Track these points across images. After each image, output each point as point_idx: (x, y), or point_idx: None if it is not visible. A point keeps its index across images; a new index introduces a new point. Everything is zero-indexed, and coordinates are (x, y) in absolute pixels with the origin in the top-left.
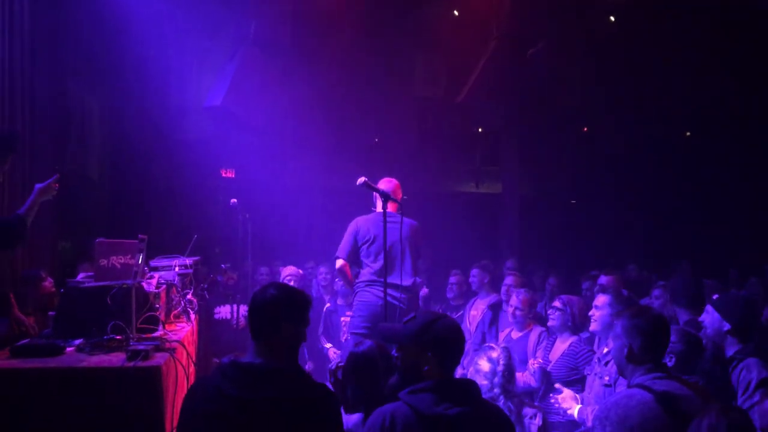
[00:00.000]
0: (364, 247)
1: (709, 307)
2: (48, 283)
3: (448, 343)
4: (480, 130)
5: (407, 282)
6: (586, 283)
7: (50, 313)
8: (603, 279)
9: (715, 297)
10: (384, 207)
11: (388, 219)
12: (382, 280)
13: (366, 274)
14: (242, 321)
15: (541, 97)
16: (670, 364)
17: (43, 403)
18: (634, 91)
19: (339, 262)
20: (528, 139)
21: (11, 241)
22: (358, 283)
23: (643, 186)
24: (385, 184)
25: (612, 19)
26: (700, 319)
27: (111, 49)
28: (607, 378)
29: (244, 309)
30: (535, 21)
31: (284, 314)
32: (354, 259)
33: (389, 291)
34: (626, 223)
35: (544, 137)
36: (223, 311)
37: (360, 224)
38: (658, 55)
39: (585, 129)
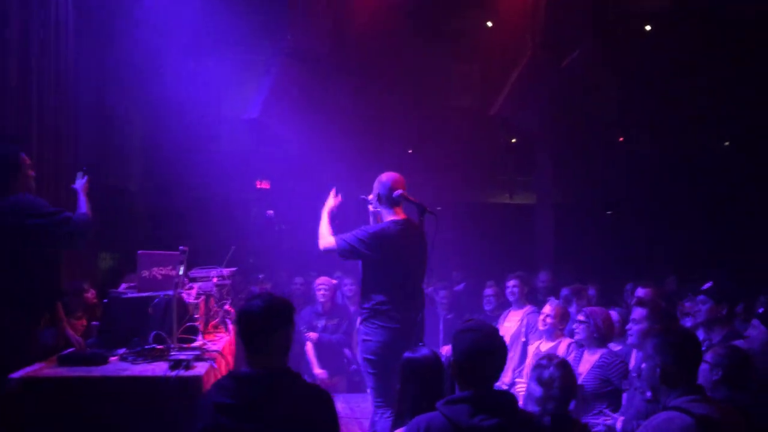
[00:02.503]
0: None
1: (755, 321)
2: (90, 294)
3: (475, 354)
4: (514, 140)
5: None
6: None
7: (93, 323)
8: (640, 291)
9: (760, 310)
10: (421, 219)
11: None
12: None
13: None
14: None
15: (576, 107)
16: (715, 378)
17: (88, 410)
18: (671, 100)
19: None
20: (562, 149)
21: (84, 240)
22: None
23: (680, 196)
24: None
25: (648, 28)
26: (747, 333)
27: (151, 63)
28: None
29: None
30: (570, 31)
31: (274, 322)
32: None
33: None
34: (663, 234)
35: (578, 147)
36: None
37: None
38: (695, 64)
39: (621, 139)
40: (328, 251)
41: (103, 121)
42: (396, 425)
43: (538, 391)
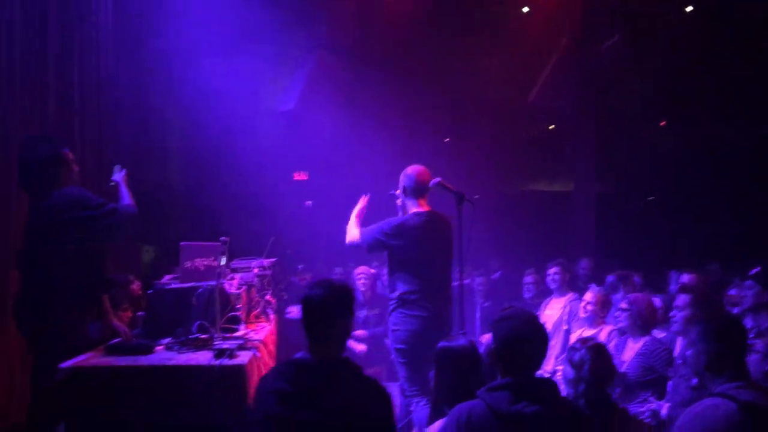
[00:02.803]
0: None
1: None
2: (136, 286)
3: (515, 341)
4: (552, 127)
5: None
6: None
7: (139, 313)
8: (685, 278)
9: None
10: (459, 208)
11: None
12: None
13: None
14: None
15: (616, 92)
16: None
17: (135, 399)
18: (714, 84)
19: None
20: (602, 134)
21: (131, 230)
22: None
23: (725, 181)
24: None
25: (689, 9)
26: None
27: (187, 59)
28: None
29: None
30: (609, 15)
31: (337, 310)
32: None
33: None
34: (707, 220)
35: (619, 132)
36: (295, 311)
37: None
38: (740, 46)
39: (662, 123)
40: (353, 246)
41: (143, 117)
42: (434, 414)
43: (570, 373)
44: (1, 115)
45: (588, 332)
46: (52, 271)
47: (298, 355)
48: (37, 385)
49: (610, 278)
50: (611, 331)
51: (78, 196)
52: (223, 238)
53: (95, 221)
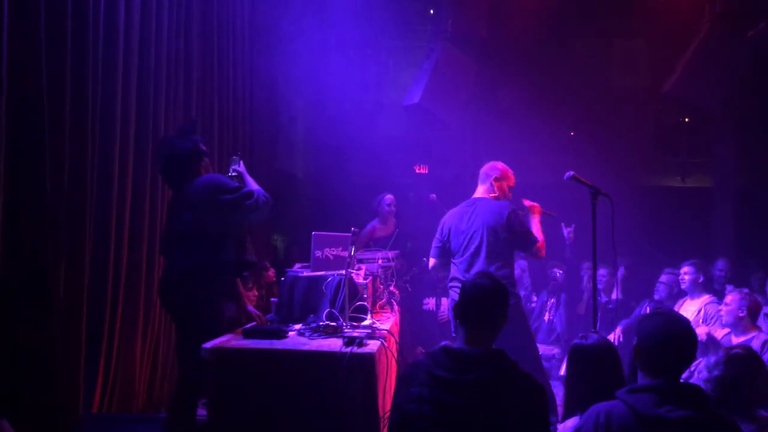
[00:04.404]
0: None
1: None
2: (271, 272)
3: (663, 341)
4: (686, 120)
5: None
6: None
7: (272, 299)
8: None
9: None
10: (593, 202)
11: (469, 206)
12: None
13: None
14: (444, 313)
15: (760, 81)
16: None
17: (271, 381)
18: None
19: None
20: (745, 127)
21: (267, 212)
22: None
23: None
24: (486, 166)
25: None
26: None
27: (314, 53)
28: None
29: (444, 302)
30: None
31: (497, 304)
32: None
33: None
34: None
35: (763, 126)
36: (430, 303)
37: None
38: None
39: None
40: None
41: (273, 114)
42: (567, 413)
43: (704, 374)
44: (153, 111)
45: (737, 339)
46: (192, 254)
47: (447, 344)
48: (182, 362)
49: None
50: (765, 341)
51: (216, 181)
52: (353, 228)
53: (234, 204)
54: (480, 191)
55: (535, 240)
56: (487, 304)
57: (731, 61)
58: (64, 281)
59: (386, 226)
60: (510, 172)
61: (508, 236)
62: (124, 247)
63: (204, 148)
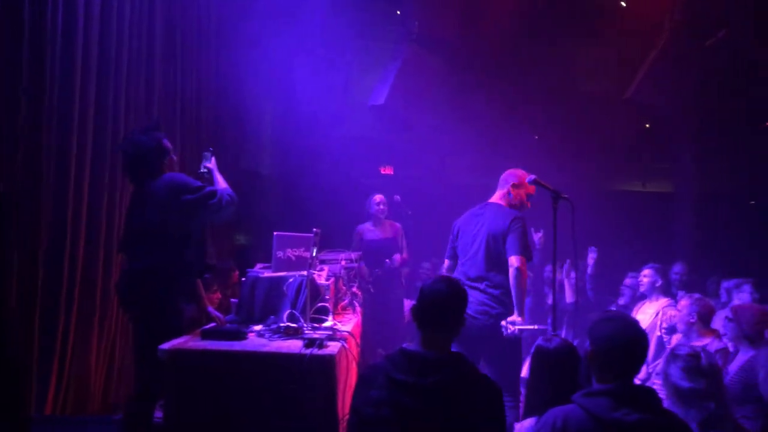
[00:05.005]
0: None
1: None
2: (236, 274)
3: (613, 345)
4: (648, 126)
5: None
6: None
7: (232, 300)
8: None
9: None
10: (555, 206)
11: (481, 209)
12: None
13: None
14: (406, 315)
15: (719, 90)
16: None
17: (229, 383)
18: None
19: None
20: (704, 135)
21: (230, 212)
22: None
23: None
24: (507, 172)
25: None
26: None
27: (281, 54)
28: None
29: (408, 303)
30: (715, 6)
31: (453, 308)
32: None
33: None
34: None
35: (721, 133)
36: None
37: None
38: None
39: (766, 124)
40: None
41: (239, 108)
42: (527, 414)
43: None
44: (112, 108)
45: (698, 342)
46: (152, 253)
47: (406, 346)
48: (140, 363)
49: (726, 284)
50: (719, 343)
51: (178, 180)
52: (315, 229)
53: (196, 204)
54: (496, 196)
55: (529, 251)
56: (443, 307)
57: (691, 69)
58: (17, 278)
59: (382, 228)
60: (520, 174)
61: (506, 243)
62: (80, 244)
63: (168, 145)
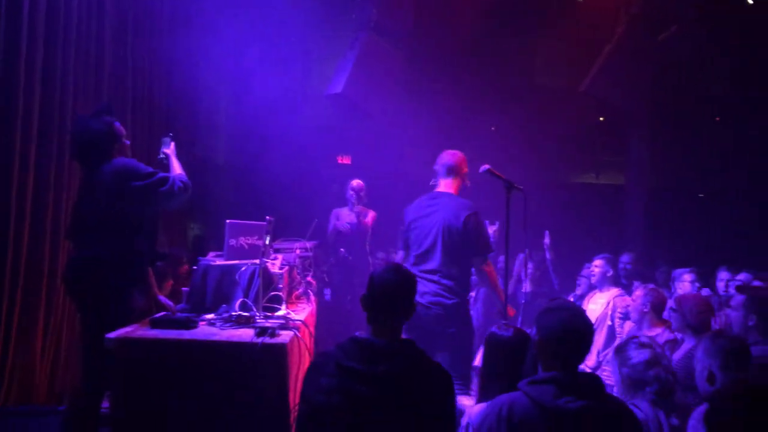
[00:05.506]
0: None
1: None
2: (185, 268)
3: (558, 334)
4: (602, 119)
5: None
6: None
7: (183, 289)
8: (746, 280)
9: None
10: (508, 196)
11: (434, 200)
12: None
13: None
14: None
15: (671, 85)
16: None
17: (178, 372)
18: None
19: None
20: (655, 128)
21: (181, 199)
22: None
23: None
24: (447, 157)
25: (750, 1)
26: None
27: (238, 41)
28: None
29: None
30: (667, 3)
31: (402, 296)
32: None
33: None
34: (761, 219)
35: (672, 127)
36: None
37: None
38: None
39: (717, 118)
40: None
41: (192, 94)
42: (481, 398)
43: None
44: (59, 88)
45: (647, 333)
46: (102, 240)
47: (358, 334)
48: (87, 353)
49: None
50: (668, 332)
51: (128, 166)
52: (268, 217)
53: (146, 190)
54: (446, 185)
55: (488, 247)
56: (393, 295)
57: (645, 63)
58: None
59: (352, 213)
60: (465, 158)
61: (462, 238)
62: (24, 232)
63: (120, 130)
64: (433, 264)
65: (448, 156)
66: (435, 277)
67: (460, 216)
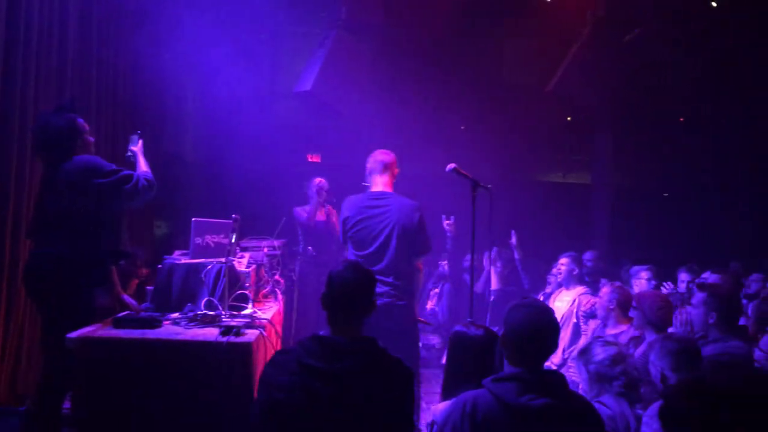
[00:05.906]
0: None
1: None
2: (145, 270)
3: (524, 331)
4: (569, 119)
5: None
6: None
7: (148, 287)
8: (710, 278)
9: None
10: (473, 194)
11: (379, 200)
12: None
13: None
14: None
15: (636, 86)
16: None
17: (142, 372)
18: (736, 80)
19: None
20: (621, 128)
21: (146, 197)
22: None
23: (744, 179)
24: (383, 155)
25: (714, 4)
26: None
27: (206, 36)
28: None
29: None
30: (633, 4)
31: (362, 294)
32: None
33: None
34: (725, 219)
35: (638, 127)
36: None
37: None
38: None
39: (681, 119)
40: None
41: (158, 89)
42: (444, 396)
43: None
44: (20, 83)
45: (610, 331)
46: (63, 239)
47: (320, 332)
48: (48, 353)
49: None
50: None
51: (91, 163)
52: (234, 215)
53: (109, 188)
54: (381, 183)
55: (429, 247)
56: (352, 294)
57: (610, 64)
58: None
59: (315, 211)
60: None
61: (414, 238)
62: None
63: (83, 126)
64: (384, 264)
65: (383, 154)
66: (388, 279)
67: (413, 217)
